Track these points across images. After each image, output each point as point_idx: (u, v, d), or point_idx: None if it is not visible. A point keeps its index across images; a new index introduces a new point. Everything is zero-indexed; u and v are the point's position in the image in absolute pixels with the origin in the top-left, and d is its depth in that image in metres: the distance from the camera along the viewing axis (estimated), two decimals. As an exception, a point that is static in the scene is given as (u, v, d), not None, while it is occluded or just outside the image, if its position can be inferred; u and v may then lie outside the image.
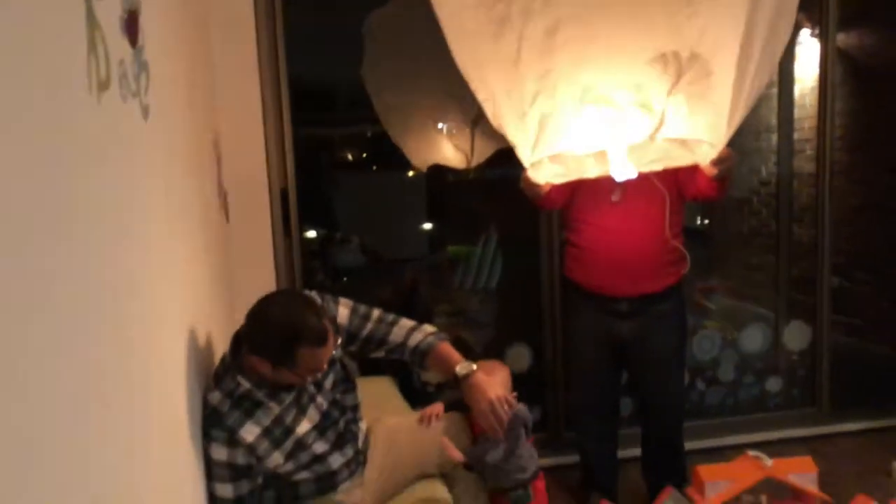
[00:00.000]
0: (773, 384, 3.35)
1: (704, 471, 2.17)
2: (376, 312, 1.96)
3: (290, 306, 1.69)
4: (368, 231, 4.27)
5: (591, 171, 1.92)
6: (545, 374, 3.12)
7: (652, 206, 2.38)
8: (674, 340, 2.56)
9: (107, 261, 0.99)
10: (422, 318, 2.03)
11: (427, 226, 4.55)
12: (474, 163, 3.77)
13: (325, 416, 1.81)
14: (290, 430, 1.74)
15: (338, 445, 1.84)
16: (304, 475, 1.80)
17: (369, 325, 1.93)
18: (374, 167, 4.70)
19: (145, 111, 1.27)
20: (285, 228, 2.76)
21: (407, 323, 1.97)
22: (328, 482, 1.84)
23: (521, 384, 3.23)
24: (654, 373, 2.56)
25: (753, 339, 3.32)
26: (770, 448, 2.64)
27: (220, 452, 1.64)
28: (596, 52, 1.70)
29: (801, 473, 2.16)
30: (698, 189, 2.28)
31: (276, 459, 1.72)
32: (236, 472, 1.66)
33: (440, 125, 3.85)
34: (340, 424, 1.85)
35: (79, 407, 0.83)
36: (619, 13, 1.68)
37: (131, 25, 1.19)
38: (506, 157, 2.09)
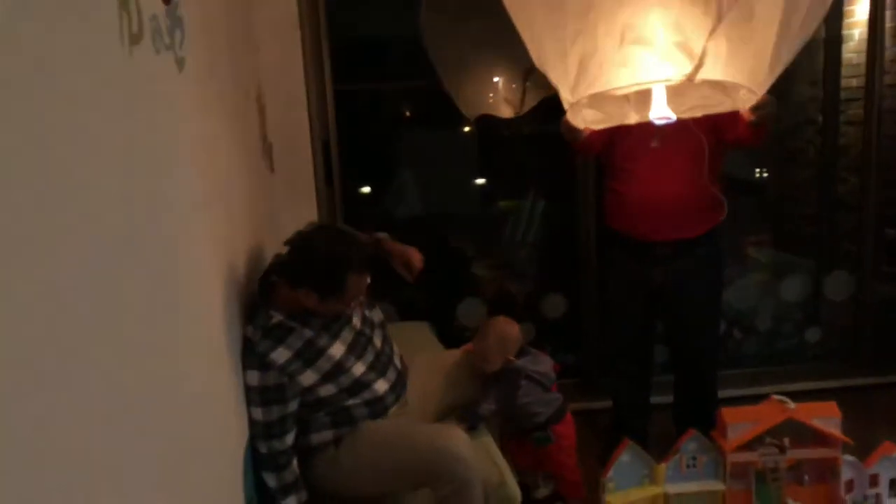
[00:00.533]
0: (813, 334, 3.34)
1: (728, 413, 2.21)
2: None
3: (332, 239, 1.85)
4: (421, 186, 4.32)
5: (631, 118, 1.95)
6: (580, 322, 3.19)
7: (690, 152, 2.41)
8: (709, 287, 2.61)
9: (150, 201, 1.11)
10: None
11: (479, 181, 4.59)
12: (524, 114, 3.80)
13: (358, 334, 1.96)
14: (322, 351, 1.87)
15: (380, 371, 1.98)
16: (353, 401, 1.94)
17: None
18: (428, 122, 4.72)
19: (180, 63, 1.37)
20: (327, 178, 2.87)
21: None
22: (378, 407, 1.98)
23: (557, 331, 3.33)
24: (689, 319, 2.61)
25: (794, 288, 3.30)
26: (806, 398, 2.68)
27: (252, 378, 1.78)
28: None
29: (825, 417, 2.19)
30: (737, 135, 2.29)
31: (309, 377, 1.85)
32: (267, 396, 1.80)
33: (495, 79, 3.89)
34: (376, 342, 2.01)
35: (137, 337, 0.95)
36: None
37: (164, -18, 1.29)
38: (553, 112, 2.13)
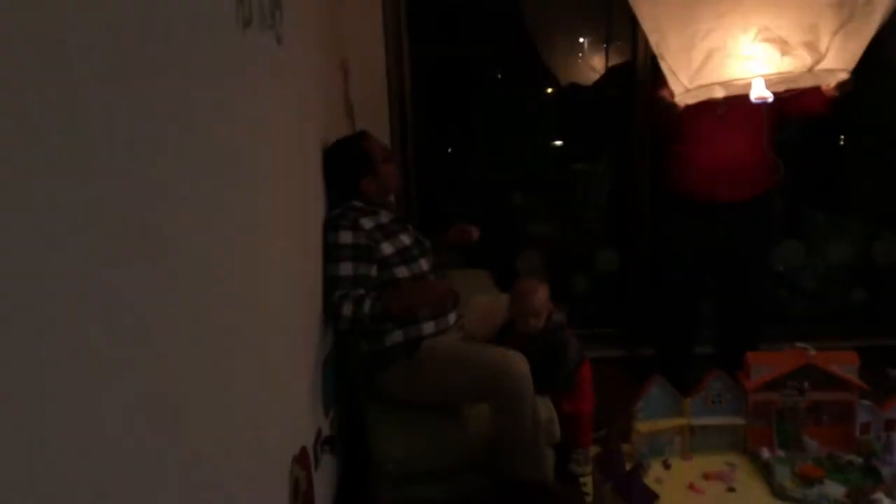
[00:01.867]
0: (858, 294, 3.47)
1: (752, 356, 2.44)
2: None
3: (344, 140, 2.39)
4: (496, 147, 4.53)
5: (718, 93, 2.17)
6: (631, 276, 3.42)
7: (751, 120, 2.63)
8: (759, 241, 2.87)
9: (247, 153, 1.45)
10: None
11: (556, 144, 4.76)
12: (606, 78, 4.01)
13: (418, 243, 2.40)
14: (396, 233, 2.31)
15: (439, 278, 2.39)
16: None
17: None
18: (509, 84, 4.85)
19: (279, 38, 1.70)
20: (402, 139, 3.19)
21: None
22: (439, 310, 2.31)
23: (608, 284, 3.57)
24: (740, 271, 2.85)
25: (844, 250, 3.44)
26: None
27: (346, 237, 2.18)
28: None
29: (843, 364, 2.38)
30: (804, 106, 2.45)
31: (388, 248, 2.26)
32: (358, 253, 2.18)
33: (580, 39, 4.15)
34: (432, 259, 2.41)
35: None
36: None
37: (268, -26, 1.62)
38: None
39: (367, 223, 2.24)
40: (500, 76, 4.67)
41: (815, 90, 2.26)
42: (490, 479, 2.26)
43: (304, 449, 1.78)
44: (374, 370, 2.27)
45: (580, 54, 4.22)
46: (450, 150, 4.53)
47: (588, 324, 3.54)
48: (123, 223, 0.88)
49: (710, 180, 2.70)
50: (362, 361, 2.31)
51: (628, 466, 2.05)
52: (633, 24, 3.12)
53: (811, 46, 1.98)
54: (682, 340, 3.02)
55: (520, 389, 2.14)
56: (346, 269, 2.16)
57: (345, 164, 2.32)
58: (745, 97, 2.27)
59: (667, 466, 2.40)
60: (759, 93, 2.05)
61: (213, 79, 1.23)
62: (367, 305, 2.10)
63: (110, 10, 0.86)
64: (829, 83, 2.17)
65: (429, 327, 2.29)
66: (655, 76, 2.77)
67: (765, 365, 2.40)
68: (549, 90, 4.33)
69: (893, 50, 3.64)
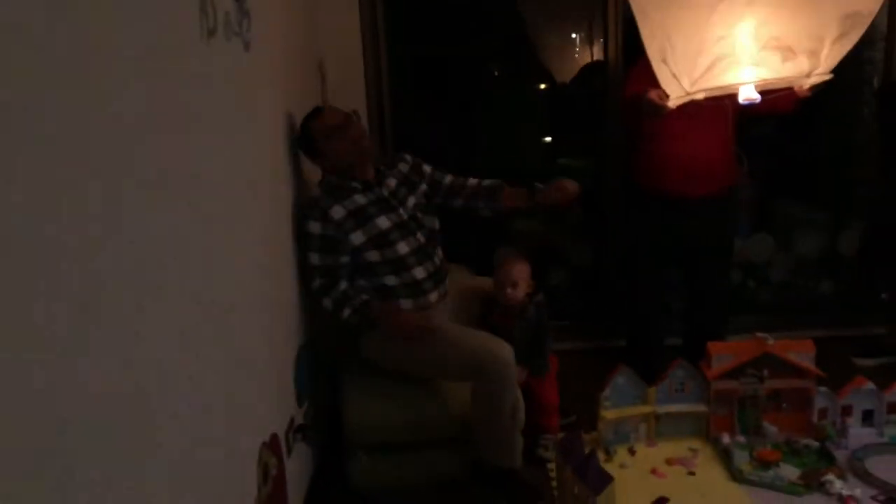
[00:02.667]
0: (826, 286, 3.58)
1: (713, 346, 2.52)
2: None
3: None
4: (481, 143, 4.56)
5: (699, 95, 2.26)
6: (605, 269, 3.51)
7: (718, 118, 2.72)
8: (727, 234, 3.00)
9: (211, 159, 1.54)
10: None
11: (543, 140, 4.79)
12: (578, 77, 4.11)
13: (405, 222, 2.39)
14: (371, 218, 2.33)
15: (419, 258, 2.39)
16: (394, 280, 2.36)
17: (449, 177, 2.59)
18: (497, 82, 4.87)
19: (247, 45, 1.79)
20: (381, 136, 3.27)
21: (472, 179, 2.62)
22: (417, 290, 2.39)
23: (584, 277, 3.66)
24: (708, 263, 2.96)
25: (812, 241, 3.55)
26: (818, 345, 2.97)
27: (314, 227, 2.27)
28: (793, 4, 2.09)
29: (801, 352, 2.47)
30: (773, 105, 2.51)
31: (359, 237, 2.30)
32: (325, 244, 2.27)
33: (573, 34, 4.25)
34: (420, 237, 2.41)
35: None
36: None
37: (235, -15, 1.70)
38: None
39: (338, 212, 2.29)
40: (484, 73, 4.72)
41: (788, 91, 2.36)
42: (462, 459, 2.36)
43: (274, 436, 1.87)
44: (357, 333, 2.37)
45: (574, 51, 4.32)
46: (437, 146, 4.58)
47: (565, 316, 3.64)
48: (90, 227, 0.97)
49: (681, 177, 2.80)
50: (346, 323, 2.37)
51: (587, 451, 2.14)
52: (608, 23, 3.22)
53: (813, 54, 2.14)
54: (651, 332, 3.12)
55: (503, 376, 2.23)
56: (314, 258, 2.28)
57: (300, 146, 2.37)
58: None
59: (632, 452, 2.50)
60: (748, 95, 2.19)
61: (177, 86, 1.32)
62: (346, 312, 2.25)
63: (72, 23, 0.94)
64: (805, 86, 2.28)
65: (406, 304, 2.38)
66: (627, 75, 2.89)
67: (725, 354, 2.49)
68: (542, 86, 4.41)
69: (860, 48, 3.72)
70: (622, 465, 2.42)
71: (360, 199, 2.34)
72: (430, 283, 2.42)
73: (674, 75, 2.22)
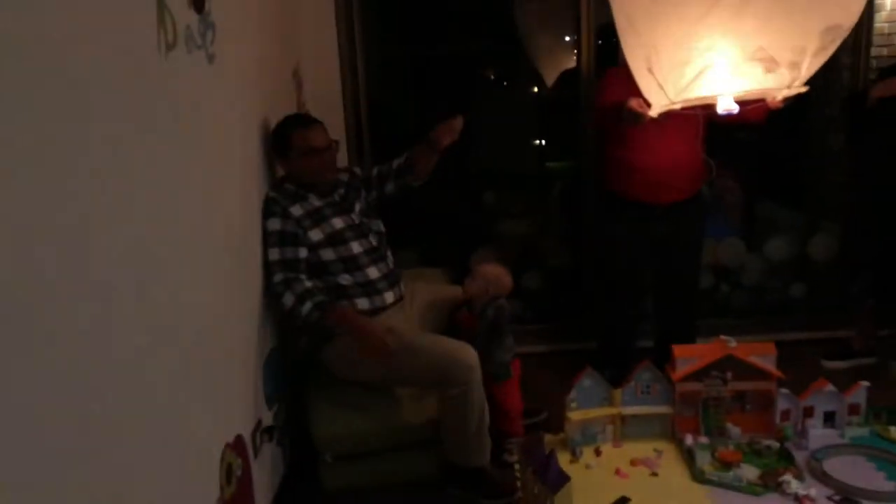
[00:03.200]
0: (798, 290, 3.63)
1: (678, 349, 2.57)
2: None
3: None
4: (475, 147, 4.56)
5: (677, 105, 2.31)
6: (580, 271, 3.56)
7: (687, 126, 2.77)
8: (698, 236, 3.08)
9: (171, 168, 1.59)
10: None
11: (533, 143, 4.82)
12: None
13: (357, 225, 2.51)
14: (327, 218, 2.42)
15: (373, 259, 2.48)
16: (348, 279, 2.43)
17: (374, 168, 2.73)
18: (483, 86, 4.89)
19: (210, 57, 1.84)
20: (358, 141, 3.32)
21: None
22: (371, 290, 2.46)
23: (562, 279, 3.71)
24: (679, 264, 3.03)
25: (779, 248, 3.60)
26: (786, 349, 3.01)
27: (274, 224, 2.34)
28: (780, 16, 2.12)
29: (762, 355, 2.52)
30: (744, 115, 2.55)
31: (317, 234, 2.39)
32: (284, 238, 2.33)
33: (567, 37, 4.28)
34: (371, 240, 2.51)
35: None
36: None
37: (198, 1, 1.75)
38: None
39: (296, 210, 2.38)
40: (476, 76, 4.75)
41: (761, 102, 2.41)
42: (433, 460, 2.41)
43: (239, 437, 1.92)
44: (317, 345, 2.42)
45: (562, 56, 4.35)
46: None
47: (543, 318, 3.70)
48: (55, 239, 1.02)
49: (653, 183, 2.88)
50: (307, 334, 2.43)
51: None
52: (581, 31, 3.27)
53: (794, 66, 2.19)
54: (624, 335, 3.17)
55: (468, 379, 2.28)
56: (274, 254, 2.32)
57: (271, 143, 2.43)
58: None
59: (598, 453, 2.54)
60: (727, 106, 2.25)
61: (133, 101, 1.37)
62: (305, 308, 2.28)
63: (27, 39, 0.99)
64: (779, 97, 2.33)
65: (363, 303, 2.43)
66: (600, 83, 2.94)
67: (689, 357, 2.54)
68: (535, 90, 4.45)
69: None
70: (587, 466, 2.47)
71: (315, 201, 2.45)
72: (385, 283, 2.50)
73: (659, 85, 2.27)
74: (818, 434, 2.54)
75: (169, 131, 1.56)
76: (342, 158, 3.26)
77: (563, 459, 2.46)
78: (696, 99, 2.25)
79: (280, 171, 2.52)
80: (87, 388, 1.16)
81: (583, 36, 3.26)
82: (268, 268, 2.32)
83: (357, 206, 2.57)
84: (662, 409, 2.60)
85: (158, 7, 1.50)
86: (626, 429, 2.62)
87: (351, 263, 2.44)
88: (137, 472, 1.33)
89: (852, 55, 3.77)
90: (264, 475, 2.15)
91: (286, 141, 2.40)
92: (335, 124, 3.21)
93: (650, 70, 2.25)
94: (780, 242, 3.64)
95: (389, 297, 2.50)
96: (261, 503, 2.10)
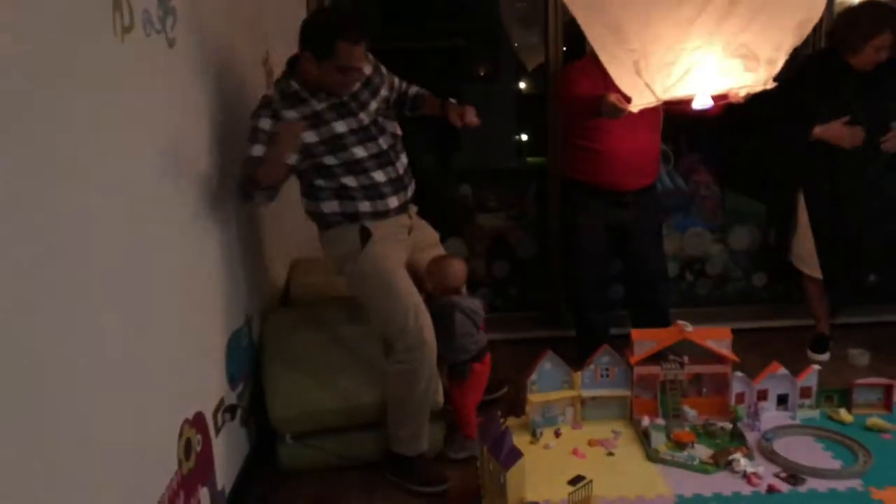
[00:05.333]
0: (759, 279, 3.72)
1: (636, 333, 2.64)
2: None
3: (333, 12, 2.44)
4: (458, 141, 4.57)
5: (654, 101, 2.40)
6: (549, 261, 3.61)
7: (650, 116, 2.83)
8: (660, 217, 3.27)
9: (126, 151, 1.63)
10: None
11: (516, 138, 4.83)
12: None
13: (364, 128, 2.35)
14: (326, 123, 2.28)
15: (380, 163, 2.37)
16: (352, 181, 2.34)
17: (407, 86, 2.64)
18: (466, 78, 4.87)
19: (171, 42, 1.87)
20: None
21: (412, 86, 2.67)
22: (375, 193, 2.37)
23: (527, 268, 3.77)
24: (647, 244, 3.14)
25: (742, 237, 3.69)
26: (751, 336, 3.18)
27: (265, 123, 2.21)
28: (762, 15, 2.22)
29: (718, 339, 2.59)
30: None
31: (311, 136, 2.25)
32: (271, 138, 2.18)
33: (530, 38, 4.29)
34: (381, 143, 2.38)
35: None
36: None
37: (156, -17, 1.78)
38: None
39: (290, 115, 2.23)
40: (461, 69, 4.76)
41: (725, 97, 2.48)
42: (380, 440, 2.47)
43: (199, 414, 1.97)
44: (319, 227, 2.46)
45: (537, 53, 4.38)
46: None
47: (514, 307, 3.76)
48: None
49: (618, 171, 2.97)
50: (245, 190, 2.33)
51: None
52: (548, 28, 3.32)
53: (771, 63, 2.30)
54: (599, 316, 3.23)
55: (421, 355, 2.31)
56: (256, 150, 2.20)
57: (307, 35, 2.22)
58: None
59: (557, 435, 2.61)
60: (703, 102, 2.36)
61: (86, 84, 1.41)
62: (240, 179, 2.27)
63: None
64: (741, 93, 2.41)
65: (364, 206, 2.37)
66: (563, 76, 3.01)
67: (647, 340, 2.61)
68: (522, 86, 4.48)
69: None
70: (546, 447, 2.54)
71: (316, 105, 2.28)
72: (390, 187, 2.40)
73: (647, 84, 2.34)
74: (771, 416, 2.62)
75: (127, 114, 1.59)
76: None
77: (524, 440, 2.54)
78: (686, 95, 2.35)
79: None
80: (41, 360, 1.20)
81: (550, 32, 3.32)
82: (231, 246, 2.34)
83: (372, 105, 2.38)
84: (621, 391, 2.67)
85: (114, -10, 1.54)
86: (586, 411, 2.69)
87: (354, 166, 2.33)
88: (94, 443, 1.37)
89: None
90: (227, 453, 2.20)
91: (331, 49, 2.16)
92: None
93: (638, 70, 2.33)
94: (744, 232, 3.72)
95: (393, 201, 2.42)
96: (223, 480, 2.14)
